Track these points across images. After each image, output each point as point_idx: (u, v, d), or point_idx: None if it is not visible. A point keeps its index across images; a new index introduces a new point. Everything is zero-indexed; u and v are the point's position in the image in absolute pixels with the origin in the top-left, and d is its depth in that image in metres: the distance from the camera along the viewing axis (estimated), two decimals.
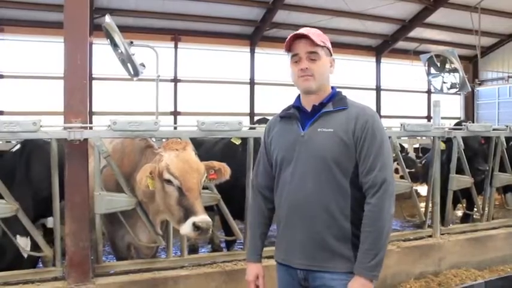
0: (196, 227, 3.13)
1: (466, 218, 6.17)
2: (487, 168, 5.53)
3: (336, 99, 2.35)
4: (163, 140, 3.90)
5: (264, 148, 2.54)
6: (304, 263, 2.29)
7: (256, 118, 14.69)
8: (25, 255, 3.75)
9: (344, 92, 2.41)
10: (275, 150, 2.42)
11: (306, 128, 2.33)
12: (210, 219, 3.20)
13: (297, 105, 2.41)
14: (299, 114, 2.38)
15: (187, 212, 3.20)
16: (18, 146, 4.35)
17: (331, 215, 2.24)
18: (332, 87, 2.40)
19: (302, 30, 2.31)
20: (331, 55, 2.38)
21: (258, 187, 2.56)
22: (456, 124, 5.83)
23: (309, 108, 2.36)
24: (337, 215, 2.24)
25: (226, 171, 3.59)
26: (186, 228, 3.19)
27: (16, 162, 4.20)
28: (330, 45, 2.37)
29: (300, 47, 2.30)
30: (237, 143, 4.55)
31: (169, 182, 3.27)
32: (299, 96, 2.44)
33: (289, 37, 2.32)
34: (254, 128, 4.51)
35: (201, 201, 3.26)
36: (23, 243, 3.70)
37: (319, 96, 2.34)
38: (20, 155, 4.28)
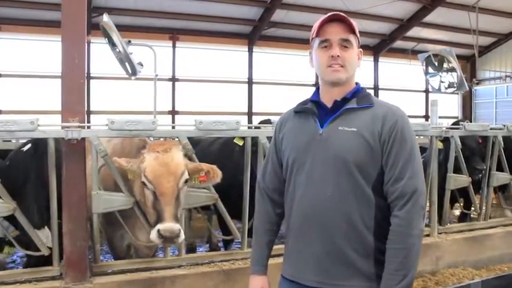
0: (160, 234, 3.06)
1: (463, 217, 6.18)
2: (484, 167, 5.53)
3: (360, 95, 2.08)
4: (161, 139, 3.90)
5: (274, 146, 2.25)
6: (318, 280, 2.00)
7: (254, 117, 14.79)
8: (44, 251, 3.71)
9: None
10: (287, 149, 2.13)
11: (324, 125, 2.04)
12: (177, 227, 3.05)
13: (316, 100, 2.12)
14: (317, 110, 2.09)
15: (158, 218, 3.14)
16: (28, 146, 4.29)
17: (353, 226, 1.96)
18: (356, 83, 2.13)
19: (338, 13, 2.05)
20: (359, 46, 2.11)
21: (265, 189, 2.27)
22: (453, 124, 5.84)
23: (329, 104, 2.07)
24: (359, 226, 1.96)
25: (215, 173, 3.48)
26: (152, 235, 3.14)
27: (28, 161, 4.15)
28: (358, 35, 2.10)
29: (332, 32, 2.01)
30: (240, 144, 4.53)
31: (145, 185, 3.25)
32: (317, 89, 2.16)
33: (322, 19, 2.03)
34: (259, 128, 4.52)
35: (172, 208, 3.13)
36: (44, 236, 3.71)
37: (343, 90, 2.06)
38: (33, 154, 4.22)
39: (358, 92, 2.09)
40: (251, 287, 2.22)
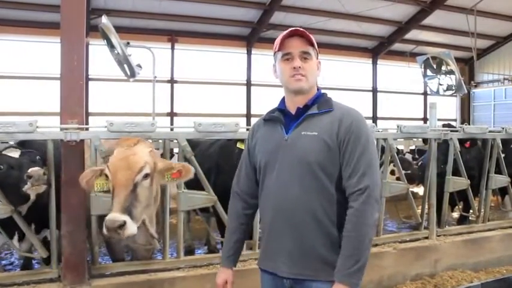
0: (105, 223, 3.00)
1: (462, 220, 6.18)
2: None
3: (321, 101, 2.27)
4: (160, 141, 3.90)
5: (247, 152, 2.46)
6: (293, 271, 2.20)
7: (252, 119, 14.78)
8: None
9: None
10: (259, 154, 2.34)
11: (289, 131, 2.25)
12: (120, 219, 2.97)
13: (282, 108, 2.33)
14: (283, 117, 2.30)
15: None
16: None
17: (319, 221, 2.16)
18: (318, 89, 2.32)
19: (296, 29, 2.24)
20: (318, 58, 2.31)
21: (238, 192, 2.48)
22: (444, 126, 5.84)
23: (293, 111, 2.28)
24: (324, 222, 2.16)
25: (187, 170, 3.45)
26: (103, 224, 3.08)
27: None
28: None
29: (293, 46, 2.21)
30: (243, 148, 4.53)
31: (107, 177, 3.23)
32: (284, 98, 2.36)
33: (283, 35, 2.23)
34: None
35: (122, 200, 3.05)
36: None
37: (305, 98, 2.26)
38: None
39: (318, 98, 2.29)
40: (217, 279, 2.49)
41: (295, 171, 2.18)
